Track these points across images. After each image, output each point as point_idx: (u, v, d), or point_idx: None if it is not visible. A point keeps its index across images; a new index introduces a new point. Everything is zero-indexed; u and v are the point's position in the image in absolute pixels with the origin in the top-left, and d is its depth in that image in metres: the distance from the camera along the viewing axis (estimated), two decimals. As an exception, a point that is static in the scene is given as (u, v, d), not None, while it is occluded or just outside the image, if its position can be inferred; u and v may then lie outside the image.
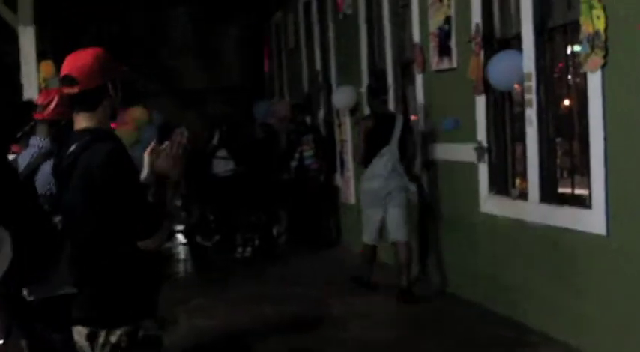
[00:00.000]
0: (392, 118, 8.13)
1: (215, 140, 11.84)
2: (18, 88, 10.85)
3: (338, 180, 11.44)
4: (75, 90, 3.14)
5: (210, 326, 7.30)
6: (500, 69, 6.57)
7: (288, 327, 7.18)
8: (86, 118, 3.17)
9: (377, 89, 8.44)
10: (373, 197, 7.98)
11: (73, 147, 3.10)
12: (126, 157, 3.11)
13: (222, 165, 11.66)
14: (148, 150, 3.21)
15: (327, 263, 10.21)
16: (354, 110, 10.43)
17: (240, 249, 11.22)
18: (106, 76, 3.17)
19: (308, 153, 11.25)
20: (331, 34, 11.46)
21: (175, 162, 3.17)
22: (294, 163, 11.33)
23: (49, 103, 4.42)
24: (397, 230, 7.91)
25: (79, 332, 3.13)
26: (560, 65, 6.37)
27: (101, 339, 3.08)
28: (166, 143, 3.21)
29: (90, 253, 3.11)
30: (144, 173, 3.17)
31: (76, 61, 3.16)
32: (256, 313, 7.66)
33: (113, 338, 3.08)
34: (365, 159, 8.08)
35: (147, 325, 3.17)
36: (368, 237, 8.14)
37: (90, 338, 3.09)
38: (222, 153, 11.71)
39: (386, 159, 7.89)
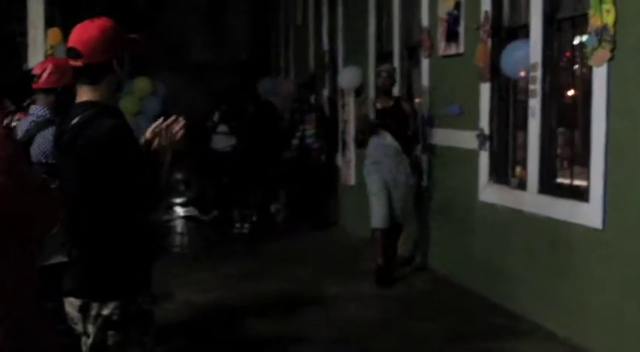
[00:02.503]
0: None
1: (216, 117, 11.83)
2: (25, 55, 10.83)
3: (339, 160, 11.43)
4: (79, 63, 3.13)
5: (205, 301, 7.33)
6: (516, 57, 6.54)
7: (280, 305, 7.20)
8: (89, 91, 3.17)
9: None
10: (380, 179, 7.96)
11: (75, 120, 3.11)
12: (128, 133, 3.11)
13: (223, 141, 11.66)
14: (150, 129, 3.22)
15: (323, 243, 10.24)
16: (359, 90, 10.42)
17: (237, 225, 11.24)
18: (111, 50, 3.16)
19: (310, 131, 11.25)
20: (340, 14, 11.41)
21: (173, 144, 3.19)
22: (295, 141, 11.32)
23: (42, 72, 4.46)
24: (400, 213, 8.03)
25: (71, 304, 3.14)
26: (567, 57, 6.36)
27: (93, 312, 3.10)
28: (166, 122, 3.22)
29: (85, 225, 3.12)
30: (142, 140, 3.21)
31: (82, 34, 3.15)
32: (250, 290, 7.70)
33: (105, 311, 3.09)
34: (363, 142, 8.18)
35: (140, 299, 3.19)
36: (379, 221, 7.94)
37: (82, 310, 3.11)
38: (222, 128, 11.69)
39: (389, 141, 7.91)
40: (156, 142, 3.20)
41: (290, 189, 11.93)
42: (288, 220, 11.73)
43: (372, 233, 8.04)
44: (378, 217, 7.92)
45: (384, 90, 8.11)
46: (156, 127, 3.23)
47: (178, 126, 3.23)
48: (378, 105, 8.05)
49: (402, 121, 7.96)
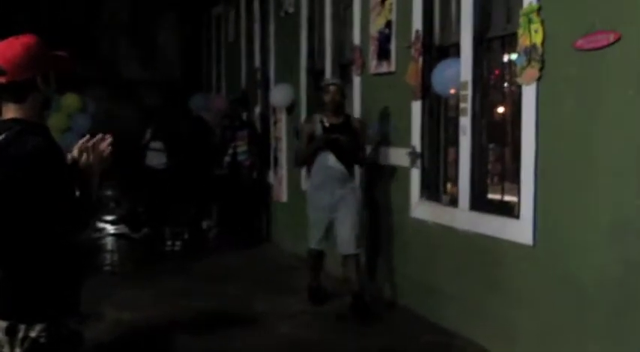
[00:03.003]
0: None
1: (148, 134, 11.71)
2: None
3: (271, 177, 11.41)
4: (2, 80, 3.07)
5: (136, 319, 7.22)
6: (446, 75, 6.60)
7: (213, 323, 7.13)
8: (14, 109, 3.11)
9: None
10: (321, 202, 7.49)
11: (0, 137, 3.04)
12: (54, 151, 3.05)
13: (157, 158, 11.54)
14: (77, 146, 3.17)
15: (256, 260, 10.19)
16: (291, 108, 10.43)
17: (169, 243, 11.13)
18: (35, 67, 3.10)
19: (242, 148, 11.20)
20: (272, 31, 11.41)
21: (101, 162, 3.15)
22: (227, 158, 11.26)
23: None
24: (351, 240, 7.41)
25: (-2, 326, 3.06)
26: (497, 75, 6.44)
27: (20, 334, 3.01)
28: (92, 141, 3.17)
29: (11, 245, 3.04)
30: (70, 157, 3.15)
31: (6, 51, 3.09)
32: (182, 308, 7.61)
33: (33, 334, 3.01)
34: (305, 161, 7.80)
35: (69, 320, 3.12)
36: (314, 242, 7.67)
37: (9, 332, 3.02)
38: (156, 145, 11.57)
39: (332, 162, 7.39)
40: (83, 159, 3.15)
41: (222, 206, 11.86)
42: (220, 237, 11.66)
43: (308, 252, 7.83)
44: (313, 238, 7.63)
45: (333, 107, 7.45)
46: (83, 145, 3.17)
47: (105, 144, 3.19)
48: (326, 123, 7.44)
49: (352, 140, 7.35)
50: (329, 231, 7.53)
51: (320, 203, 7.48)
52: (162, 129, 11.71)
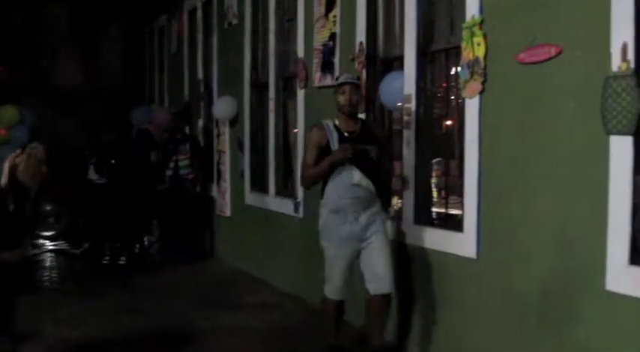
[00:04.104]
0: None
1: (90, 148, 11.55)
2: None
3: (214, 191, 11.31)
4: None
5: (77, 337, 7.04)
6: (394, 87, 6.59)
7: (155, 340, 7.01)
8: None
9: None
10: (344, 234, 5.96)
11: None
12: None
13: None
14: (9, 159, 3.07)
15: (199, 275, 10.08)
16: (234, 121, 10.35)
17: (110, 258, 10.94)
18: None
19: (183, 162, 11.08)
20: (215, 43, 11.33)
21: (34, 173, 3.05)
22: (169, 172, 11.12)
23: None
24: (386, 276, 5.99)
25: None
26: (440, 88, 6.45)
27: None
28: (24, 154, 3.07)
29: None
30: (3, 180, 3.03)
31: None
32: (124, 325, 7.47)
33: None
34: (317, 180, 6.09)
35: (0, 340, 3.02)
36: (334, 291, 6.10)
37: None
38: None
39: (358, 179, 5.92)
40: (19, 171, 3.05)
41: (164, 221, 11.71)
42: (163, 252, 11.50)
43: (322, 302, 6.29)
44: (333, 285, 6.06)
45: (349, 110, 5.98)
46: (15, 158, 3.08)
47: (38, 157, 3.09)
48: (344, 131, 5.98)
49: (380, 151, 6.00)
50: (352, 269, 6.07)
51: (342, 232, 5.92)
52: (104, 142, 11.51)
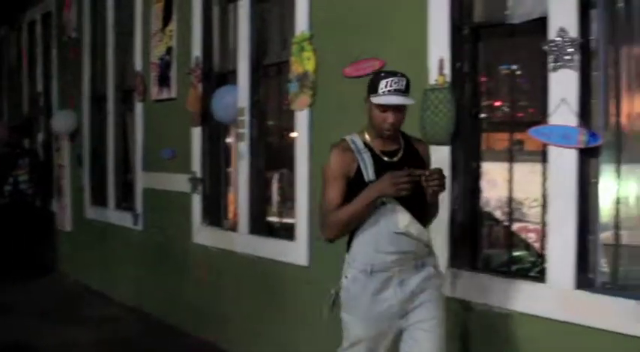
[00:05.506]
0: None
1: None
2: None
3: (54, 205, 11.12)
4: None
5: None
6: (226, 101, 6.69)
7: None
8: None
9: None
10: (382, 300, 3.78)
11: None
12: None
13: None
14: None
15: (41, 290, 9.86)
16: (74, 135, 10.23)
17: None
18: None
19: (23, 177, 10.85)
20: (54, 56, 11.15)
21: None
22: (8, 188, 10.87)
23: None
24: None
25: None
26: (273, 101, 6.60)
27: None
28: None
29: None
30: None
31: None
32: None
33: None
34: (348, 228, 3.81)
35: None
36: None
37: None
38: None
39: (407, 223, 3.73)
40: None
41: (3, 237, 11.39)
42: (2, 268, 11.18)
43: None
44: None
45: (391, 132, 3.80)
46: None
47: None
48: (382, 155, 3.80)
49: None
50: None
51: (379, 306, 3.77)
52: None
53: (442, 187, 3.64)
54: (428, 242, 3.81)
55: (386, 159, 3.79)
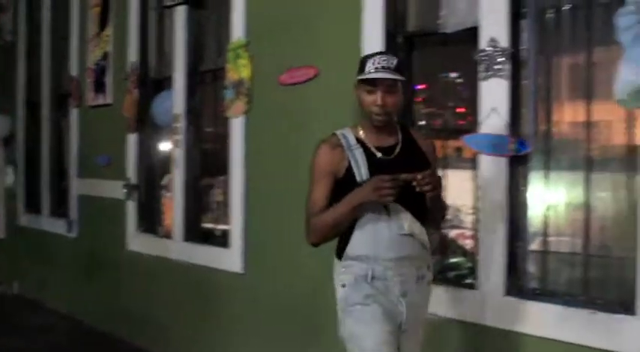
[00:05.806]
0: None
1: None
2: None
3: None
4: None
5: None
6: (166, 107, 6.66)
7: None
8: None
9: None
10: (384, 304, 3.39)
11: None
12: None
13: None
14: None
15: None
16: (8, 140, 10.07)
17: None
18: None
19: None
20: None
21: None
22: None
23: None
24: None
25: None
26: (209, 108, 6.57)
27: None
28: None
29: None
30: None
31: None
32: None
33: None
34: (337, 232, 3.44)
35: None
36: None
37: None
38: None
39: (409, 225, 3.39)
40: None
41: None
42: None
43: None
44: None
45: (381, 120, 3.40)
46: None
47: None
48: (376, 151, 3.42)
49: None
50: None
51: (379, 312, 3.35)
52: None
53: (436, 189, 3.25)
54: (427, 244, 3.46)
55: (380, 155, 3.40)
